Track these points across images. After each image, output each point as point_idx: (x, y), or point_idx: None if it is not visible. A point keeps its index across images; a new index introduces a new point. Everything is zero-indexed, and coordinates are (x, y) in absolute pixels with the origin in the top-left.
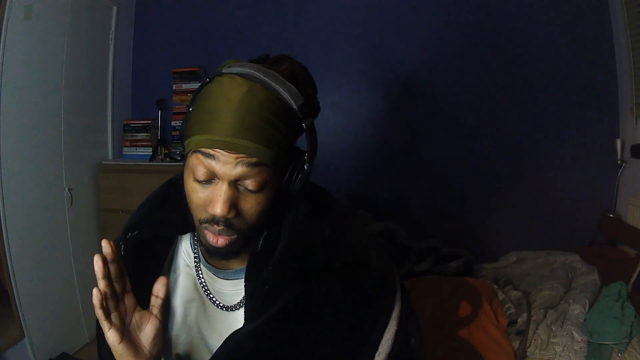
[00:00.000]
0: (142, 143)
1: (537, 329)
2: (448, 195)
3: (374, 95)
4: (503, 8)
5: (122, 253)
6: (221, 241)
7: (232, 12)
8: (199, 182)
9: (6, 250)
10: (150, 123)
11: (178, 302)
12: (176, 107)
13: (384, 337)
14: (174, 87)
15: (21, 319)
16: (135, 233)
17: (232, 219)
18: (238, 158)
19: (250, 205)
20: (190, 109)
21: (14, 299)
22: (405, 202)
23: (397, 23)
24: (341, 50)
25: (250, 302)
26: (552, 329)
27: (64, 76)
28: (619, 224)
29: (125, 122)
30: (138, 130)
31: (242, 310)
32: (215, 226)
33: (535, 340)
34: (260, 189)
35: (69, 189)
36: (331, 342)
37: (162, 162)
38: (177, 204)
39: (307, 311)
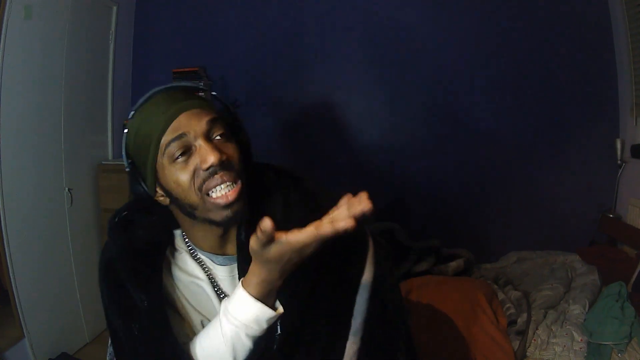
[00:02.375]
0: None
1: (537, 329)
2: (448, 195)
3: (374, 95)
4: (503, 8)
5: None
6: (231, 195)
7: (232, 12)
8: (177, 159)
9: (6, 250)
10: None
11: (189, 303)
12: None
13: (357, 302)
14: None
15: (21, 319)
16: (124, 213)
17: (226, 162)
18: (197, 113)
19: (230, 149)
20: (130, 145)
21: (14, 299)
22: (405, 202)
23: (397, 23)
24: (342, 50)
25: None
26: (552, 329)
27: (64, 76)
28: (619, 224)
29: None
30: None
31: None
32: (217, 177)
33: (535, 340)
34: (227, 135)
35: (69, 189)
36: (316, 290)
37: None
38: (147, 219)
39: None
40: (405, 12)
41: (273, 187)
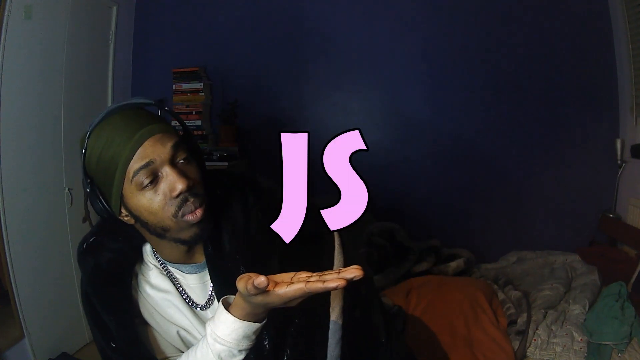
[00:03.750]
0: None
1: (537, 329)
2: (448, 195)
3: (374, 95)
4: (502, 9)
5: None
6: (199, 213)
7: (232, 12)
8: (146, 187)
9: (6, 250)
10: None
11: (163, 317)
12: (176, 107)
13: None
14: (174, 87)
15: (21, 319)
16: (92, 239)
17: (194, 188)
18: (160, 138)
19: (193, 172)
20: (95, 170)
21: (14, 299)
22: (405, 202)
23: (395, 23)
24: (342, 50)
25: (218, 292)
26: (552, 329)
27: (64, 76)
28: (619, 224)
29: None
30: None
31: (214, 306)
32: (189, 203)
33: (535, 340)
34: (188, 157)
35: (69, 189)
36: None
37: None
38: (113, 241)
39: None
40: (405, 12)
41: (229, 193)
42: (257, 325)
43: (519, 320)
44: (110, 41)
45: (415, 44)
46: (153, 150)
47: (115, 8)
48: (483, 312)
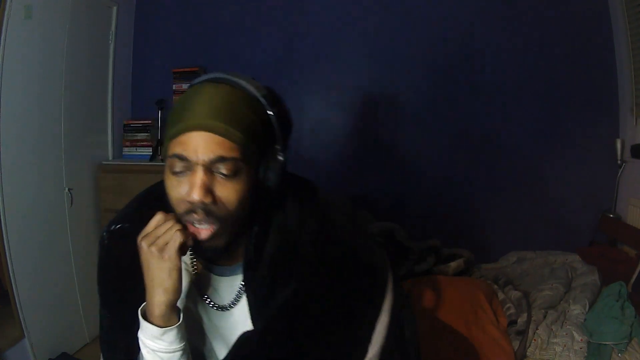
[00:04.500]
0: (142, 143)
1: (537, 329)
2: (448, 195)
3: (375, 95)
4: (503, 9)
5: (106, 242)
6: (203, 233)
7: (232, 12)
8: (176, 174)
9: (6, 250)
10: (150, 123)
11: (182, 302)
12: None
13: (376, 329)
14: (174, 87)
15: (21, 319)
16: (118, 226)
17: (211, 206)
18: (211, 140)
19: (227, 192)
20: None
21: (14, 299)
22: (405, 202)
23: (397, 24)
24: (343, 50)
25: (253, 304)
26: (552, 329)
27: (64, 76)
28: (619, 224)
29: (125, 122)
30: (138, 130)
31: (235, 309)
32: (195, 215)
33: (535, 340)
34: (234, 173)
35: (69, 189)
36: (325, 336)
37: (162, 162)
38: (163, 202)
39: (302, 308)
40: (402, 13)
41: (289, 195)
42: (167, 328)
43: (519, 320)
44: (110, 41)
45: (415, 43)
46: (196, 147)
47: (115, 8)
48: (483, 312)
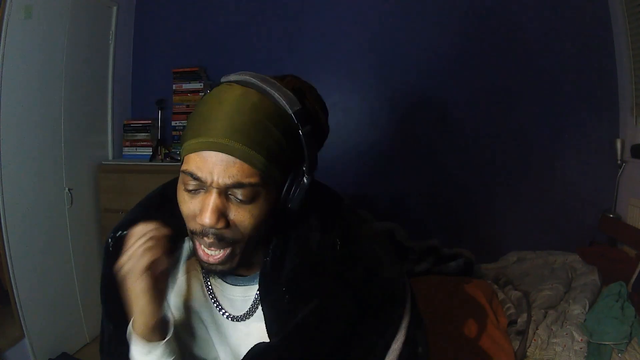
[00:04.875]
0: (142, 143)
1: (537, 329)
2: (448, 195)
3: (375, 95)
4: (503, 9)
5: (111, 249)
6: (212, 259)
7: (232, 12)
8: (189, 191)
9: (6, 250)
10: (150, 123)
11: (189, 308)
12: (176, 107)
13: (392, 347)
14: (174, 87)
15: (21, 319)
16: (125, 233)
17: (223, 231)
18: (229, 164)
19: (242, 217)
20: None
21: (14, 299)
22: (405, 202)
23: (398, 23)
24: (343, 50)
25: (269, 317)
26: (552, 329)
27: (64, 76)
28: (619, 224)
29: (125, 122)
30: (138, 130)
31: (250, 320)
32: (206, 239)
33: (535, 340)
34: (251, 199)
35: (69, 189)
36: (344, 354)
37: (162, 162)
38: (175, 206)
39: (322, 325)
40: (403, 14)
41: (311, 207)
42: (152, 344)
43: (519, 320)
44: (110, 41)
45: (416, 44)
46: (212, 168)
47: (115, 8)
48: (483, 312)
